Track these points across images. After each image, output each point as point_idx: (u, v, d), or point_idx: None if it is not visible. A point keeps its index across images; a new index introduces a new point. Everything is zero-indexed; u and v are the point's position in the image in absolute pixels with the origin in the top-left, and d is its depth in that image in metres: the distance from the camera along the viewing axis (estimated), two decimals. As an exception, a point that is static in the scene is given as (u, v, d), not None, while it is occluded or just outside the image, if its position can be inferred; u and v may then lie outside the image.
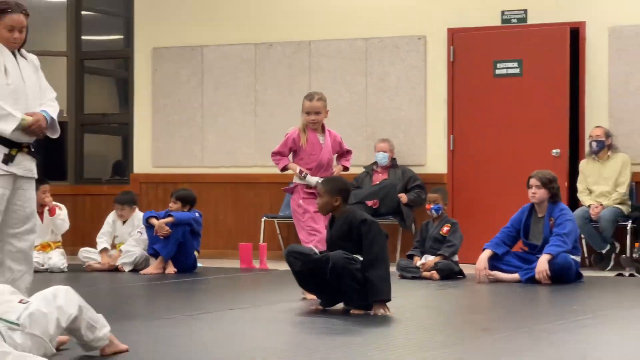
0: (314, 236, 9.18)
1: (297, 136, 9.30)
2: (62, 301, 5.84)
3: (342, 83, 13.97)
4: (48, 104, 7.76)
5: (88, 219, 14.75)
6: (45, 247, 12.46)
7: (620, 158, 12.49)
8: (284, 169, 9.45)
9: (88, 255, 12.85)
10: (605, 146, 12.50)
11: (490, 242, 10.98)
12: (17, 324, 5.66)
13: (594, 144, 12.50)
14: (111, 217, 12.98)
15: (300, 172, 9.26)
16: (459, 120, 13.47)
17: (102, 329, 5.98)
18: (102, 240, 12.77)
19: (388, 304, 8.31)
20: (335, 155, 9.68)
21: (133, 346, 6.62)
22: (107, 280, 11.46)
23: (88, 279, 11.64)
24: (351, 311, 8.31)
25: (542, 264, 10.46)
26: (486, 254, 10.90)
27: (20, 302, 5.84)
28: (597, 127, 12.58)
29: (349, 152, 9.72)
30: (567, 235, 10.68)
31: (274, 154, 9.43)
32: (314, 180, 9.21)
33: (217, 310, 8.83)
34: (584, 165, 12.64)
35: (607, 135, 12.52)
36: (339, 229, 8.42)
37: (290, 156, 9.50)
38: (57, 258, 12.43)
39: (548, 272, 10.43)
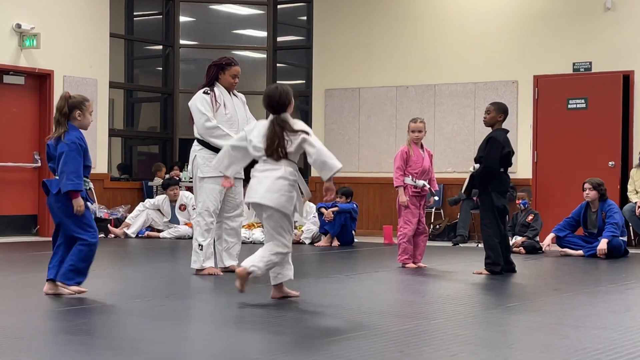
0: (407, 225, 9.05)
1: (407, 150, 9.19)
2: None
3: (457, 114, 13.87)
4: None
5: (279, 207, 14.95)
6: (250, 226, 12.67)
7: (659, 169, 12.23)
8: (398, 186, 9.10)
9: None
10: None
11: (556, 228, 10.91)
12: None
13: None
14: None
15: (412, 178, 9.11)
16: (541, 141, 13.25)
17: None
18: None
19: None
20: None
21: (307, 296, 6.71)
22: (292, 250, 11.59)
23: (279, 249, 11.78)
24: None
25: (603, 244, 10.33)
26: (551, 236, 10.86)
27: None
28: None
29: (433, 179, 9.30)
30: (617, 224, 10.53)
31: (397, 168, 9.07)
32: (421, 182, 9.10)
33: (366, 272, 8.87)
34: (633, 172, 12.35)
35: None
36: (485, 140, 8.51)
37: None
38: (258, 234, 12.61)
39: (606, 250, 10.29)
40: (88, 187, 6.48)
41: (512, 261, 8.58)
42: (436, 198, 9.34)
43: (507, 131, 8.61)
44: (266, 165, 6.10)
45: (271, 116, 6.16)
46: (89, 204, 6.49)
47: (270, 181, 6.03)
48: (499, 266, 8.32)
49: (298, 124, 6.13)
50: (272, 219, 6.10)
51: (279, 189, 6.04)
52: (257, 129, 6.17)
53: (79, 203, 6.31)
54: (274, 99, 6.13)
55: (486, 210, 8.49)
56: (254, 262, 6.02)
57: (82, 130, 6.47)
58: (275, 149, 6.01)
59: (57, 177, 6.36)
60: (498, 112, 8.52)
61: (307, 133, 6.10)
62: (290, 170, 6.10)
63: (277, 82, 15.79)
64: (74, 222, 6.35)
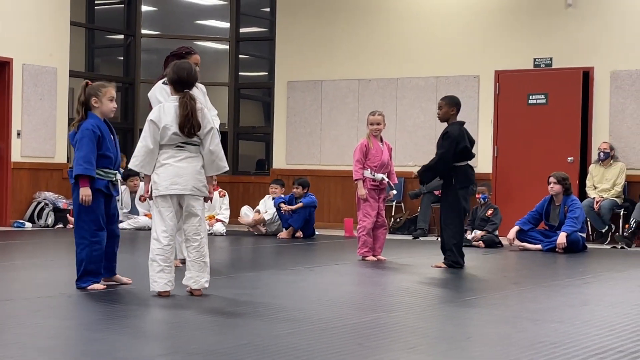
0: (367, 218, 9.08)
1: (366, 143, 9.21)
2: None
3: (419, 108, 13.92)
4: (213, 118, 7.86)
5: (240, 198, 14.89)
6: (210, 217, 12.59)
7: (619, 165, 12.31)
8: (357, 179, 9.09)
9: (247, 211, 13.04)
10: (609, 156, 12.33)
11: (520, 220, 10.98)
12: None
13: (602, 154, 12.33)
14: (266, 197, 13.13)
15: (371, 172, 9.15)
16: (501, 135, 13.34)
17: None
18: (260, 206, 12.97)
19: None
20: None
21: (267, 288, 6.69)
22: (254, 242, 11.58)
23: (241, 240, 11.78)
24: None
25: (562, 238, 10.42)
26: (515, 228, 10.92)
27: None
28: (604, 142, 12.43)
29: (392, 172, 9.30)
30: (577, 218, 10.62)
31: (357, 162, 9.07)
32: (379, 176, 9.12)
33: (327, 265, 8.87)
34: (592, 168, 12.48)
35: (611, 148, 12.39)
36: (442, 132, 8.59)
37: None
38: (219, 226, 12.56)
39: (565, 243, 10.36)
40: (113, 179, 6.34)
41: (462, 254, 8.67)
42: (394, 192, 9.35)
43: (463, 123, 8.65)
44: (183, 153, 6.01)
45: (175, 97, 6.07)
46: (114, 194, 6.39)
47: (197, 171, 6.04)
48: (459, 264, 8.38)
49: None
50: (198, 206, 6.09)
51: (203, 179, 6.09)
52: (166, 114, 5.96)
53: (85, 192, 6.16)
54: (191, 75, 6.08)
55: (449, 209, 8.48)
56: (204, 275, 6.10)
57: (105, 118, 6.37)
58: (191, 125, 5.89)
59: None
60: (450, 106, 8.59)
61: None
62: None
63: (239, 72, 15.74)
64: (78, 215, 6.27)
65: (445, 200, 8.60)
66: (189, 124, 5.91)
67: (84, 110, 6.29)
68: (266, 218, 12.73)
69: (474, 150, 8.65)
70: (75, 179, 6.20)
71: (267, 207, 12.95)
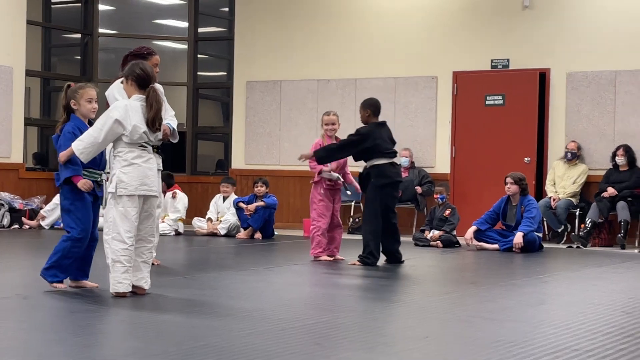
0: (322, 219, 9.11)
1: (321, 143, 9.21)
2: None
3: (378, 108, 13.94)
4: (170, 118, 7.83)
5: (199, 199, 14.84)
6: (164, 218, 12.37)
7: (582, 166, 12.46)
8: (320, 172, 9.14)
9: (199, 223, 12.93)
10: (576, 156, 12.45)
11: (477, 220, 11.05)
12: None
13: (569, 154, 12.44)
14: (216, 197, 13.05)
15: (329, 171, 9.16)
16: (459, 136, 13.43)
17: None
18: (210, 212, 12.88)
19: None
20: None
21: (225, 289, 6.68)
22: (212, 242, 11.54)
23: (198, 241, 11.73)
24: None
25: (518, 238, 10.51)
26: (473, 228, 10.99)
27: None
28: (573, 141, 12.53)
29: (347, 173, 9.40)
30: (534, 218, 10.72)
31: (311, 161, 9.13)
32: (335, 175, 9.16)
33: (285, 265, 8.87)
34: (556, 164, 12.57)
35: (579, 148, 12.50)
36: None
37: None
38: (164, 226, 12.18)
39: (522, 243, 10.44)
40: (98, 179, 6.27)
41: (400, 252, 8.80)
42: (349, 193, 9.40)
43: (382, 123, 8.89)
44: (147, 154, 6.07)
45: (137, 97, 6.11)
46: (99, 195, 6.29)
47: (158, 172, 6.19)
48: (374, 259, 8.51)
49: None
50: (156, 207, 6.23)
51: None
52: (134, 113, 5.98)
53: (82, 182, 6.14)
54: (153, 73, 6.19)
55: (368, 206, 8.77)
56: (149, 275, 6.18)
57: (88, 119, 6.38)
58: (159, 118, 6.04)
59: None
60: (364, 109, 8.95)
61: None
62: None
63: (198, 72, 15.66)
64: (66, 214, 6.29)
65: (366, 197, 8.78)
66: (159, 119, 6.03)
67: (67, 113, 6.33)
68: (221, 224, 12.56)
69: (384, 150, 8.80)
70: (65, 181, 6.20)
71: (218, 208, 12.87)
